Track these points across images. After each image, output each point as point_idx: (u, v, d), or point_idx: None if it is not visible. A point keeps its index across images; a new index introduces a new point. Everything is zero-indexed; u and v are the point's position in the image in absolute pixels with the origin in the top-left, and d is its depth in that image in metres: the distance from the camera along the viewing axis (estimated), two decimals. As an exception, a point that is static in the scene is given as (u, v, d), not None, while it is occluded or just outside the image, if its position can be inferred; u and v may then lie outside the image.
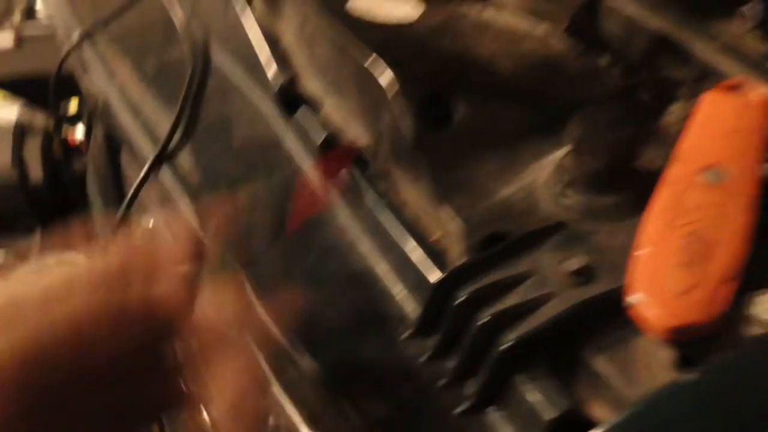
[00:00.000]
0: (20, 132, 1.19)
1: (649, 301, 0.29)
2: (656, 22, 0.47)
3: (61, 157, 1.24)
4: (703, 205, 0.32)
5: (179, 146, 0.49)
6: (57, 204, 1.09)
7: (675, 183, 0.34)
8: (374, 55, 0.44)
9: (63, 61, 0.67)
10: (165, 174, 0.48)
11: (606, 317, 0.31)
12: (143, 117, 0.53)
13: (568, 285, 0.32)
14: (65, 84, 0.76)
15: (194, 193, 0.45)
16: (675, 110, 0.43)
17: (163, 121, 0.52)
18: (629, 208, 0.37)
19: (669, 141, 0.39)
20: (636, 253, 0.31)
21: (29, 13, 1.44)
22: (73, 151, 1.24)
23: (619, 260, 0.33)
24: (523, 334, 0.31)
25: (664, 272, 0.30)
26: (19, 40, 1.45)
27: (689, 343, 0.29)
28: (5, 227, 1.11)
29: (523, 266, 0.34)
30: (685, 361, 0.29)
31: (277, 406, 0.44)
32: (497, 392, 0.31)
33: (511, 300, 0.32)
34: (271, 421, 0.50)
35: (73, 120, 1.22)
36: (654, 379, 0.29)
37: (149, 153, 0.49)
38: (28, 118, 1.26)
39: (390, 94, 0.42)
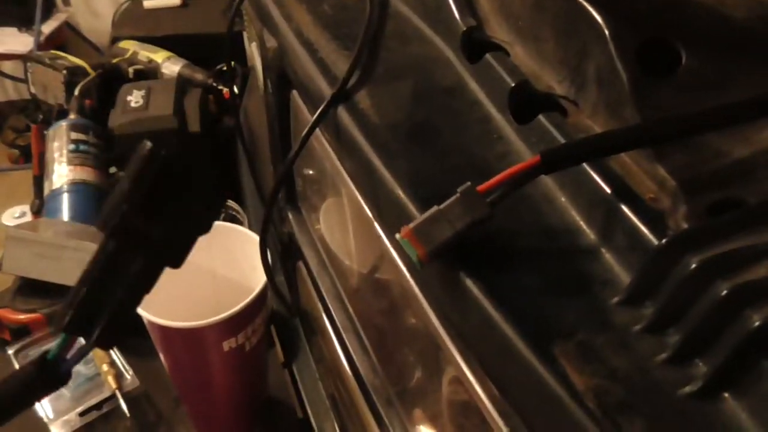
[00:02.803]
0: (181, 85, 1.26)
1: None
2: None
3: (216, 111, 1.30)
4: None
5: (357, 86, 0.47)
6: (211, 154, 1.14)
7: None
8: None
9: (238, 5, 0.68)
10: (342, 112, 0.46)
11: None
12: (320, 57, 0.52)
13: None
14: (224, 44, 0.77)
15: (372, 133, 0.43)
16: None
17: (341, 62, 0.50)
18: None
19: None
20: None
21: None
22: (226, 105, 1.29)
23: None
24: (778, 313, 0.25)
25: None
26: (185, 1, 1.54)
27: None
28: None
29: (772, 236, 0.28)
30: None
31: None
32: (736, 377, 0.26)
33: (761, 271, 0.27)
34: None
35: (230, 78, 1.27)
36: None
37: (326, 92, 0.47)
38: (189, 73, 1.33)
39: (606, 36, 0.37)
